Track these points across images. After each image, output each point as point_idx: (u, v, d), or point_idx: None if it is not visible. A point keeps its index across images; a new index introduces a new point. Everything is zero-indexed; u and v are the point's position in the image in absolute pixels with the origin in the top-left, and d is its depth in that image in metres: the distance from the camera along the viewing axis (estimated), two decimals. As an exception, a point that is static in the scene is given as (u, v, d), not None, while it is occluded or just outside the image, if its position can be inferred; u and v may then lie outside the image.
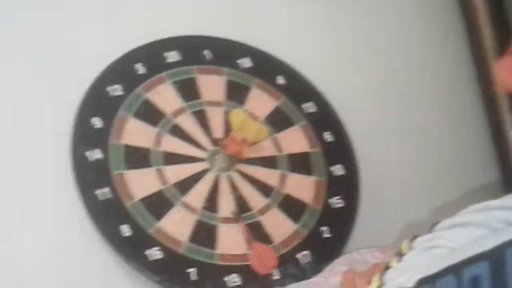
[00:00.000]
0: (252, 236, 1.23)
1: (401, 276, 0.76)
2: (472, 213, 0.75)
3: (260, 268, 1.20)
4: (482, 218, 0.74)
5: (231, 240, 1.23)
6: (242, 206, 1.27)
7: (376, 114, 1.51)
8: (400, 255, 0.83)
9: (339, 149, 1.40)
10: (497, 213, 0.73)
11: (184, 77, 1.36)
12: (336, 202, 1.33)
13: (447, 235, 0.77)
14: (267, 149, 1.34)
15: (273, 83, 1.41)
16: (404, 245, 0.84)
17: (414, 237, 0.84)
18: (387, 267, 0.85)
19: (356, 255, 1.16)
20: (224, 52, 1.41)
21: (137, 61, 1.34)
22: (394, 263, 0.84)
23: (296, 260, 1.25)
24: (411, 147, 1.53)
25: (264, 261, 1.21)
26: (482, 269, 0.65)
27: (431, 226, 0.82)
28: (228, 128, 1.32)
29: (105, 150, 1.24)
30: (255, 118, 1.34)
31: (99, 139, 1.25)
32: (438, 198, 1.46)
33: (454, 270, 0.68)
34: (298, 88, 1.43)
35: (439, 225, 0.80)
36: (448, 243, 0.75)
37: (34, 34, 1.31)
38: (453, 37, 1.66)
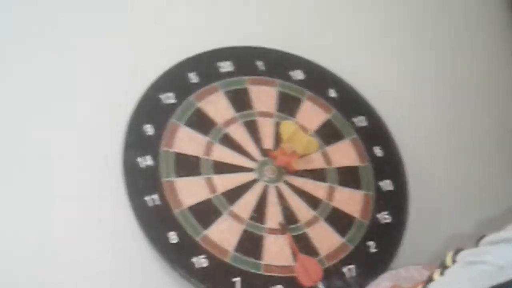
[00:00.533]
0: (298, 248, 1.23)
1: None
2: None
3: (305, 281, 1.20)
4: None
5: (277, 251, 1.23)
6: (289, 217, 1.27)
7: (427, 129, 1.50)
8: (443, 267, 0.82)
9: (389, 164, 1.39)
10: None
11: (237, 87, 1.37)
12: (384, 217, 1.32)
13: (493, 250, 0.76)
14: (316, 161, 1.34)
15: (324, 95, 1.42)
16: (448, 258, 0.84)
17: (458, 250, 0.83)
18: (429, 280, 0.84)
19: (403, 272, 1.16)
20: (276, 64, 1.42)
21: (191, 70, 1.36)
22: (436, 276, 0.83)
23: (342, 273, 1.25)
24: (463, 164, 1.52)
25: (310, 273, 1.21)
26: None
27: (476, 240, 0.82)
28: (278, 140, 1.32)
29: (156, 157, 1.25)
30: (305, 130, 1.35)
31: (151, 146, 1.26)
32: (488, 213, 1.45)
33: None
34: (349, 102, 1.43)
35: (485, 239, 0.79)
36: (493, 260, 0.74)
37: (91, 39, 1.34)
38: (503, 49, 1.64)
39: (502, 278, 0.70)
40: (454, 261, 0.83)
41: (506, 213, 1.44)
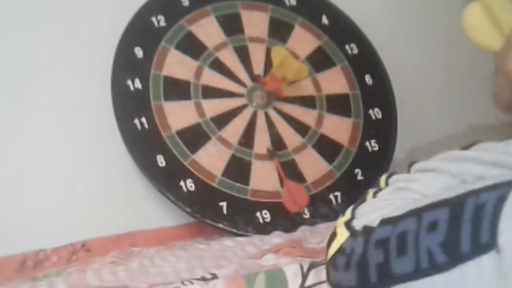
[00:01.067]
0: (285, 174, 1.24)
1: (372, 213, 0.77)
2: (448, 161, 0.76)
3: (291, 206, 1.21)
4: (455, 169, 0.75)
5: (264, 177, 1.24)
6: (277, 143, 1.28)
7: (418, 58, 1.50)
8: (377, 188, 0.84)
9: (379, 93, 1.39)
10: (471, 166, 0.74)
11: (229, 11, 1.36)
12: (372, 145, 1.33)
13: (420, 178, 0.77)
14: (306, 88, 1.34)
15: (317, 22, 1.40)
16: (382, 181, 0.85)
17: (392, 173, 0.85)
18: (362, 200, 0.86)
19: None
20: (269, -12, 1.41)
21: (183, -7, 1.34)
22: (369, 197, 0.84)
23: (328, 200, 1.26)
24: (451, 96, 1.51)
25: (296, 199, 1.22)
26: (442, 214, 0.67)
27: (408, 165, 0.83)
28: (269, 65, 1.31)
29: (145, 80, 1.25)
30: (296, 56, 1.34)
31: (140, 69, 1.26)
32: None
33: (416, 213, 0.70)
34: (341, 29, 1.42)
35: (415, 166, 0.81)
36: (419, 188, 0.76)
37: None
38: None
39: (421, 203, 0.72)
40: (387, 184, 0.84)
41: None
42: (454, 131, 1.45)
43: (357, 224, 0.78)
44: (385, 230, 0.72)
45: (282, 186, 1.24)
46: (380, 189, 0.82)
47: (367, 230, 0.75)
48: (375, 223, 0.75)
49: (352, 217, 0.80)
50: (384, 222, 0.74)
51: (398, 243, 0.70)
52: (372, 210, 0.78)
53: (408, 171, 0.81)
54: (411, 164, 0.81)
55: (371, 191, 0.83)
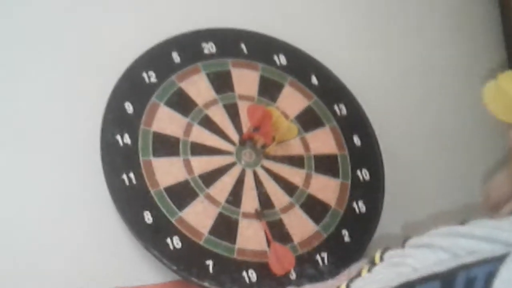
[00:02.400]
0: (272, 234, 1.23)
1: (366, 287, 0.78)
2: (441, 237, 0.77)
3: (277, 269, 1.20)
4: (448, 244, 0.76)
5: (251, 236, 1.24)
6: (265, 202, 1.28)
7: (407, 121, 1.51)
8: (372, 264, 0.85)
9: (366, 154, 1.40)
10: (463, 241, 0.75)
11: (219, 69, 1.37)
12: (359, 206, 1.33)
13: (415, 254, 0.78)
14: (295, 147, 1.35)
15: (306, 82, 1.42)
16: (377, 256, 0.86)
17: (386, 249, 0.86)
18: (358, 275, 0.86)
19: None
20: (260, 48, 1.42)
21: (174, 50, 1.35)
22: (364, 272, 0.85)
23: (315, 261, 1.25)
24: (440, 158, 1.52)
25: (282, 262, 1.21)
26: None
27: (402, 241, 0.84)
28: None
29: (134, 135, 1.25)
30: (286, 115, 1.35)
31: (130, 124, 1.26)
32: (464, 210, 1.46)
33: (408, 286, 0.70)
34: (330, 89, 1.43)
35: (409, 242, 0.82)
36: (414, 263, 0.77)
37: (76, 13, 1.33)
38: (490, 41, 1.65)
39: (412, 277, 0.73)
40: (382, 259, 0.85)
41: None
42: (445, 199, 1.46)
43: None
44: None
45: (269, 246, 1.23)
46: (374, 264, 0.83)
47: None
48: None
49: None
50: None
51: None
52: (366, 285, 0.78)
53: (402, 247, 0.82)
54: (405, 239, 0.82)
55: (366, 266, 0.84)
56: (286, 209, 1.28)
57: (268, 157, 1.31)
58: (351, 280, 0.87)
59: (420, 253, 0.78)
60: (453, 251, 0.75)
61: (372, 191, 1.37)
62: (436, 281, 0.69)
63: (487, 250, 0.72)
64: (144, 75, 1.30)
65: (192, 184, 1.24)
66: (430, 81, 1.54)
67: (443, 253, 0.75)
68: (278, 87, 1.39)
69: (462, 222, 0.80)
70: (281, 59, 1.42)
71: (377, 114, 1.44)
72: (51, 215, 1.19)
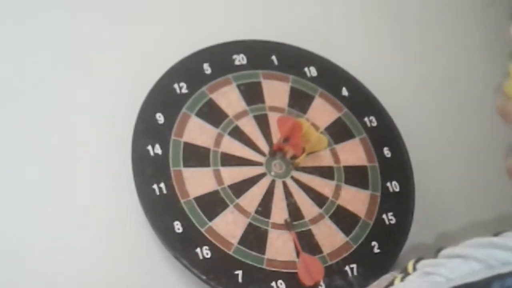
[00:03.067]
0: (301, 245, 1.24)
1: None
2: (475, 248, 0.77)
3: (307, 280, 1.21)
4: (482, 255, 0.76)
5: (280, 246, 1.24)
6: (294, 213, 1.28)
7: (437, 133, 1.50)
8: (404, 273, 0.85)
9: (397, 166, 1.39)
10: (497, 252, 0.75)
11: (250, 80, 1.38)
12: (389, 218, 1.33)
13: (447, 264, 0.78)
14: (325, 159, 1.35)
15: (337, 93, 1.42)
16: (410, 265, 0.86)
17: (419, 258, 0.86)
18: (390, 284, 0.86)
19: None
20: (291, 59, 1.43)
21: (205, 61, 1.36)
22: (397, 281, 0.85)
23: (344, 272, 1.25)
24: (470, 168, 1.51)
25: (311, 273, 1.21)
26: None
27: (436, 251, 0.84)
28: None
29: (165, 146, 1.26)
30: (316, 127, 1.35)
31: (161, 134, 1.27)
32: (493, 216, 1.45)
33: None
34: (361, 101, 1.44)
35: (443, 252, 0.82)
36: (447, 273, 0.76)
37: (108, 25, 1.35)
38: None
39: (447, 286, 0.72)
40: (415, 268, 0.85)
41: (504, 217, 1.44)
42: (477, 210, 1.45)
43: None
44: None
45: (298, 257, 1.23)
46: (407, 274, 0.83)
47: None
48: None
49: None
50: None
51: None
52: None
53: (436, 257, 0.82)
54: (439, 250, 0.82)
55: (399, 276, 0.84)
56: (315, 220, 1.28)
57: (298, 168, 1.32)
58: None
59: (453, 263, 0.78)
60: (486, 262, 0.75)
61: (402, 203, 1.36)
62: None
63: None
64: (176, 86, 1.32)
65: (222, 194, 1.25)
66: (462, 93, 1.54)
67: (477, 264, 0.75)
68: (309, 99, 1.40)
69: (496, 234, 0.80)
70: (312, 71, 1.42)
71: (407, 125, 1.44)
72: (82, 224, 1.21)
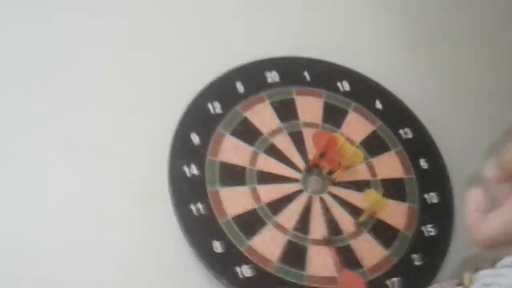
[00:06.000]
0: (341, 261, 1.23)
1: None
2: None
3: (348, 296, 1.20)
4: None
5: (320, 262, 1.24)
6: (333, 229, 1.27)
7: (474, 142, 1.49)
8: (461, 286, 0.83)
9: (434, 177, 1.39)
10: None
11: (283, 97, 1.38)
12: (429, 230, 1.32)
13: (507, 273, 0.77)
14: (361, 173, 1.34)
15: (370, 107, 1.42)
16: (466, 278, 0.85)
17: (476, 269, 0.84)
18: None
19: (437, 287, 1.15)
20: (323, 74, 1.43)
21: (238, 80, 1.37)
22: None
23: (385, 286, 1.25)
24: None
25: (353, 288, 1.21)
26: None
27: (493, 261, 0.82)
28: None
29: (201, 166, 1.27)
30: (351, 141, 1.35)
31: (196, 155, 1.28)
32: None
33: None
34: (395, 113, 1.43)
35: (502, 261, 0.80)
36: (506, 282, 0.75)
37: (141, 44, 1.37)
38: None
39: None
40: (472, 281, 0.83)
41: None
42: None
43: None
44: None
45: (339, 273, 1.23)
46: (466, 287, 0.82)
47: None
48: None
49: None
50: None
51: None
52: None
53: (493, 267, 0.81)
54: (497, 259, 0.80)
55: None
56: (354, 234, 1.28)
57: (335, 183, 1.31)
58: None
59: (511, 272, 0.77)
60: None
61: (441, 214, 1.35)
62: None
63: None
64: (209, 106, 1.32)
65: (260, 212, 1.25)
66: (497, 102, 1.52)
67: None
68: (342, 113, 1.39)
69: None
70: (344, 85, 1.42)
71: (444, 136, 1.43)
72: (120, 246, 1.21)
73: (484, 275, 0.81)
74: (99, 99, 1.31)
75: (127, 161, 1.27)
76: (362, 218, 1.28)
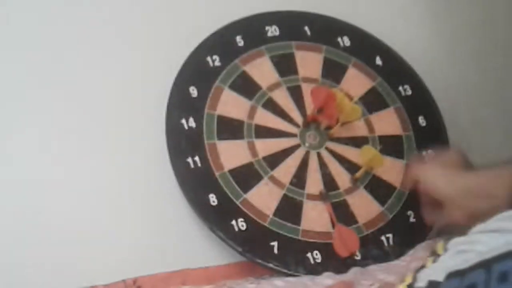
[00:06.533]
0: (336, 217, 1.24)
1: (433, 274, 0.76)
2: (509, 220, 0.75)
3: (342, 251, 1.21)
4: None
5: (315, 217, 1.24)
6: (329, 184, 1.28)
7: (472, 101, 1.49)
8: (435, 255, 0.83)
9: (432, 134, 1.38)
10: None
11: (283, 52, 1.37)
12: (425, 187, 1.31)
13: (483, 239, 0.76)
14: (359, 129, 1.34)
15: (370, 63, 1.41)
16: (439, 246, 0.84)
17: (448, 238, 0.84)
18: (421, 267, 0.85)
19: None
20: (324, 30, 1.42)
21: (238, 34, 1.36)
22: (429, 263, 0.84)
23: (380, 242, 1.25)
24: (509, 136, 1.50)
25: (347, 244, 1.21)
26: None
27: (465, 229, 0.82)
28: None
29: (199, 119, 1.27)
30: (350, 97, 1.34)
31: (194, 108, 1.28)
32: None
33: (484, 265, 0.69)
34: (395, 70, 1.42)
35: (474, 229, 0.80)
36: (484, 249, 0.75)
37: (136, 2, 1.36)
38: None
39: (488, 255, 0.71)
40: (445, 249, 0.84)
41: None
42: None
43: (421, 285, 0.77)
44: (453, 283, 0.72)
45: (334, 228, 1.23)
46: (438, 255, 0.82)
47: (433, 285, 0.75)
48: (440, 277, 0.74)
49: (414, 280, 0.80)
50: (451, 275, 0.73)
51: None
52: (435, 271, 0.77)
53: (466, 234, 0.80)
54: (469, 228, 0.80)
55: (430, 258, 0.83)
56: (350, 190, 1.28)
57: (332, 139, 1.32)
58: (416, 271, 0.86)
59: (488, 237, 0.77)
60: None
61: (438, 172, 1.35)
62: None
63: None
64: (208, 59, 1.32)
65: (257, 166, 1.25)
66: (496, 61, 1.52)
67: None
68: (342, 69, 1.39)
69: None
70: (345, 41, 1.42)
71: (443, 94, 1.42)
72: (117, 199, 1.22)
73: (458, 242, 0.81)
74: (96, 52, 1.31)
75: (125, 115, 1.28)
76: (359, 173, 1.28)
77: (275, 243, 1.20)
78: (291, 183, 1.26)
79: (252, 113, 1.30)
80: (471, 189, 1.08)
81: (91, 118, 1.26)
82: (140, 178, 1.23)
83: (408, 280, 0.84)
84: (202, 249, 1.22)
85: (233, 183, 1.23)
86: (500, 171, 1.07)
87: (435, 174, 1.15)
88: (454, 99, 1.44)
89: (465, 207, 1.06)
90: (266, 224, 1.21)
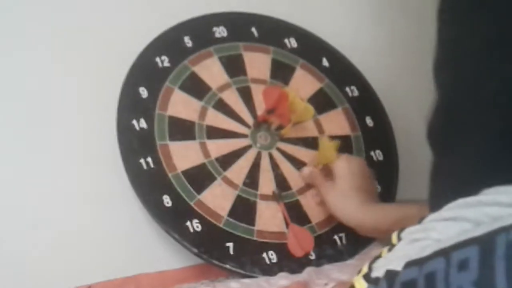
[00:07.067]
0: (290, 216, 1.24)
1: (390, 263, 0.77)
2: (465, 208, 0.75)
3: (297, 251, 1.21)
4: (472, 214, 0.74)
5: (269, 217, 1.24)
6: (282, 184, 1.28)
7: (416, 100, 1.50)
8: (390, 246, 0.84)
9: (379, 135, 1.40)
10: (488, 209, 0.73)
11: (231, 53, 1.37)
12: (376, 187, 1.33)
13: (438, 227, 0.77)
14: (309, 129, 1.35)
15: (317, 64, 1.42)
16: (394, 237, 0.85)
17: (402, 229, 0.85)
18: (377, 257, 0.86)
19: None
20: (271, 31, 1.42)
21: (186, 34, 1.35)
22: (384, 253, 0.84)
23: (333, 241, 1.26)
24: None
25: (301, 244, 1.21)
26: (472, 252, 0.66)
27: (419, 219, 0.83)
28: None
29: (150, 120, 1.25)
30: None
31: (145, 108, 1.26)
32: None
33: (443, 253, 0.69)
34: (341, 71, 1.43)
35: (428, 218, 0.80)
36: (439, 236, 0.75)
37: (84, 2, 1.33)
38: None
39: (447, 243, 0.71)
40: (400, 239, 0.84)
41: None
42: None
43: (377, 274, 0.77)
44: (411, 271, 0.72)
45: (288, 228, 1.23)
46: (393, 245, 0.82)
47: (391, 274, 0.74)
48: (398, 267, 0.74)
49: (370, 270, 0.80)
50: (409, 264, 0.73)
51: (427, 284, 0.69)
52: (391, 261, 0.77)
53: (419, 223, 0.80)
54: (422, 218, 0.80)
55: (384, 249, 0.83)
56: (302, 190, 1.29)
57: (283, 139, 1.32)
58: (371, 262, 0.86)
59: (443, 225, 0.77)
60: (477, 220, 0.74)
61: (386, 172, 1.37)
62: (473, 245, 0.67)
63: None
64: (157, 59, 1.30)
65: (209, 167, 1.24)
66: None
67: (467, 223, 0.74)
68: (290, 70, 1.39)
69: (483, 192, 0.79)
70: (292, 42, 1.42)
71: (388, 95, 1.44)
72: (69, 202, 1.19)
73: (412, 231, 0.82)
74: (45, 53, 1.27)
75: (75, 116, 1.25)
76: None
77: (230, 244, 1.19)
78: (244, 183, 1.25)
79: (203, 114, 1.29)
80: (359, 220, 1.21)
81: (41, 120, 1.22)
82: (91, 180, 1.21)
83: (364, 270, 0.84)
84: (157, 253, 1.20)
85: (187, 184, 1.21)
86: (388, 207, 1.22)
87: (333, 195, 1.24)
88: (399, 98, 1.46)
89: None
90: (221, 225, 1.20)
